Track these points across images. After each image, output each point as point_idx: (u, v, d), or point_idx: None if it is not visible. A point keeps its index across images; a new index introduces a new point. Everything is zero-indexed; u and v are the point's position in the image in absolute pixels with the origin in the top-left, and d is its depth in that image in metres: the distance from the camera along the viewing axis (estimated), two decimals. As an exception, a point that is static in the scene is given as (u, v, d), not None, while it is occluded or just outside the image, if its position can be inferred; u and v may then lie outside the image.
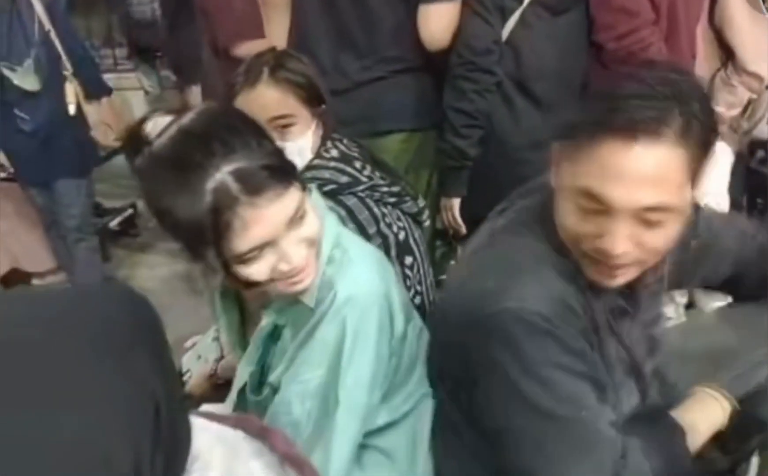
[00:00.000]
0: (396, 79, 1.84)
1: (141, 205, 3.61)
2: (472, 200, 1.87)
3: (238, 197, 0.91)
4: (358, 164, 1.55)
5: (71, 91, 2.74)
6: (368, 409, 1.09)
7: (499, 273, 1.03)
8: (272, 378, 1.13)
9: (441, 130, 1.85)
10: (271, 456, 0.66)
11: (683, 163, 0.93)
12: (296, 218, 0.98)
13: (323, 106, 1.56)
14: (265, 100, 1.49)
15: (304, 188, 1.02)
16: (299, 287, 1.03)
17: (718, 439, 1.13)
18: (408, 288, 1.50)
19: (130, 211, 4.18)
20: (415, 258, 1.56)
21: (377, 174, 1.57)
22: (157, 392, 0.53)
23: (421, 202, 1.62)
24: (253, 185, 0.92)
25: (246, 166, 0.92)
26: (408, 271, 1.54)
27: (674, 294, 2.13)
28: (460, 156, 1.83)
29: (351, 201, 1.49)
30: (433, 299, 1.57)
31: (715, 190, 2.19)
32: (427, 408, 1.21)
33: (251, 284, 1.00)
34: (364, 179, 1.53)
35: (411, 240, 1.56)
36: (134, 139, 0.98)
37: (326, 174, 1.51)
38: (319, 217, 1.06)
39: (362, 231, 1.49)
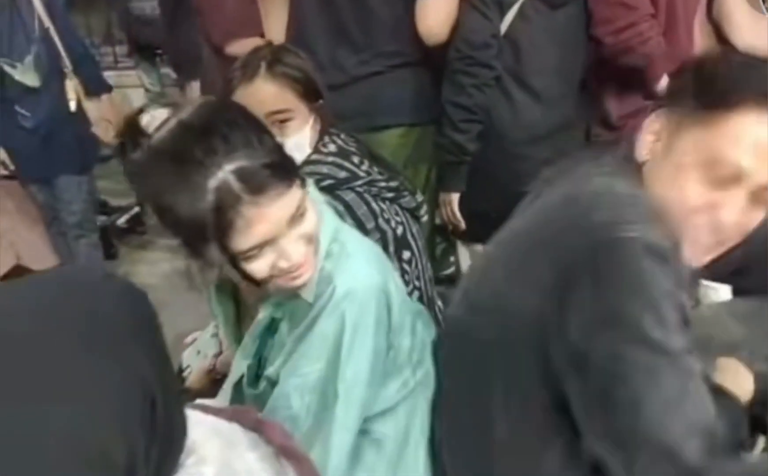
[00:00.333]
0: (394, 73, 1.84)
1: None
2: (471, 195, 1.87)
3: (241, 196, 0.91)
4: (356, 159, 1.55)
5: (71, 87, 2.75)
6: (367, 402, 1.10)
7: (616, 204, 0.97)
8: (270, 371, 1.13)
9: (439, 124, 1.84)
10: (267, 448, 0.66)
11: None
12: (297, 215, 0.98)
13: (321, 101, 1.56)
14: (263, 95, 1.49)
15: (303, 184, 1.02)
16: (298, 282, 1.04)
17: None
18: (406, 284, 1.50)
19: (137, 208, 4.19)
20: (413, 254, 1.56)
21: (375, 169, 1.57)
22: (151, 384, 0.53)
23: (419, 197, 1.61)
24: (255, 184, 0.92)
25: (248, 164, 0.92)
26: (406, 266, 1.54)
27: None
28: (458, 151, 1.83)
29: (349, 196, 1.49)
30: (432, 294, 1.57)
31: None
32: (424, 399, 1.21)
33: (251, 280, 1.00)
34: (362, 174, 1.53)
35: (409, 236, 1.56)
36: (132, 132, 0.98)
37: (324, 169, 1.51)
38: (317, 212, 1.07)
39: (360, 226, 1.49)
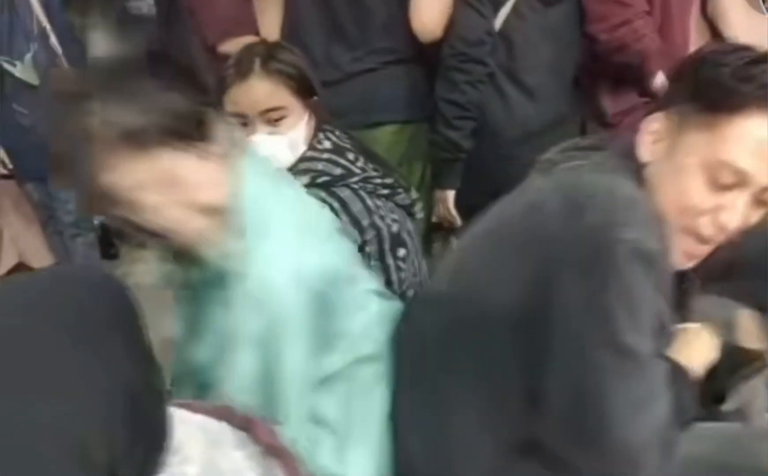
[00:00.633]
0: (388, 70, 1.83)
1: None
2: (465, 192, 1.87)
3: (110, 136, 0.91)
4: (351, 155, 1.56)
5: None
6: (309, 384, 1.05)
7: (612, 205, 0.96)
8: (202, 355, 1.10)
9: (433, 121, 1.85)
10: (255, 447, 0.66)
11: None
12: (167, 180, 0.95)
13: (315, 98, 1.56)
14: (257, 92, 1.49)
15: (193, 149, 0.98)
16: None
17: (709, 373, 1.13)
18: (401, 281, 1.50)
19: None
20: (408, 251, 1.56)
21: (370, 165, 1.57)
22: (135, 383, 0.53)
23: (414, 194, 1.61)
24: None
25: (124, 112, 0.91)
26: (401, 264, 1.54)
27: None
28: (452, 148, 1.83)
29: (345, 193, 1.49)
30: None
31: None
32: (377, 378, 1.14)
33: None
34: (357, 171, 1.53)
35: (404, 233, 1.56)
36: None
37: (319, 165, 1.51)
38: (233, 185, 1.02)
39: (356, 223, 1.49)
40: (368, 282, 1.19)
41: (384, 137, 1.84)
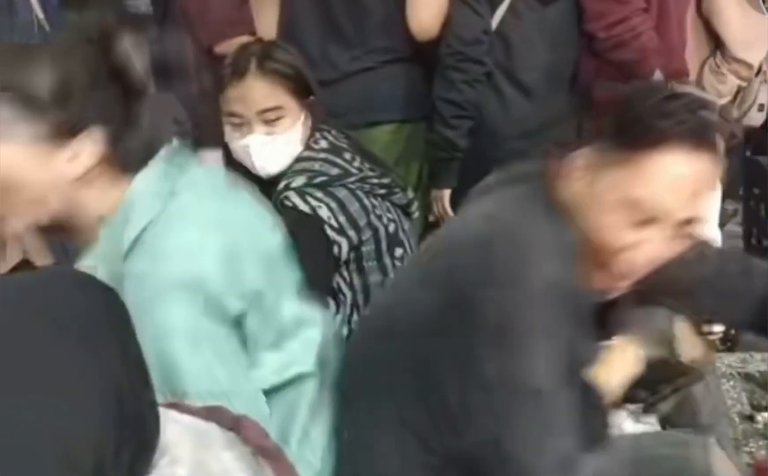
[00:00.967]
0: (385, 69, 1.84)
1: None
2: (462, 191, 1.87)
3: None
4: (347, 155, 1.56)
5: None
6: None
7: (522, 242, 1.00)
8: None
9: (430, 121, 1.84)
10: (244, 448, 0.66)
11: (716, 174, 0.99)
12: None
13: (312, 98, 1.56)
14: (254, 93, 1.49)
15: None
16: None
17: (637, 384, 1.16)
18: (398, 281, 1.50)
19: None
20: (405, 250, 1.57)
21: (366, 165, 1.57)
22: (123, 383, 0.53)
23: (411, 194, 1.62)
24: None
25: None
26: (398, 263, 1.54)
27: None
28: (449, 147, 1.83)
29: (342, 193, 1.49)
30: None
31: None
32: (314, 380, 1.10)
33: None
34: (354, 171, 1.53)
35: (401, 232, 1.56)
36: None
37: (316, 165, 1.51)
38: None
39: (353, 222, 1.49)
40: (302, 310, 1.12)
41: (381, 136, 1.84)
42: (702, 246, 1.22)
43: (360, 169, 1.54)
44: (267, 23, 1.84)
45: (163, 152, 1.01)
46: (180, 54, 2.47)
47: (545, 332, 0.97)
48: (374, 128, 1.83)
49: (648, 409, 1.22)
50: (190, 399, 0.87)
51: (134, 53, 1.02)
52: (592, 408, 1.07)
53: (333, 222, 1.46)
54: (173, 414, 0.64)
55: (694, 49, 2.01)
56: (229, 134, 1.55)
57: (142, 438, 0.55)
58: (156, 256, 0.95)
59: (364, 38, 1.82)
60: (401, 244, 1.56)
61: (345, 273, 1.52)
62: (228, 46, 1.72)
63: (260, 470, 0.65)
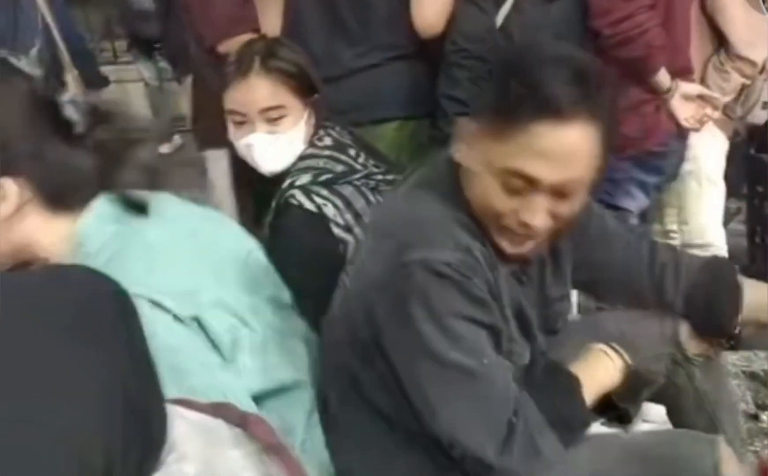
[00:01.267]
0: (390, 66, 1.82)
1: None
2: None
3: None
4: (352, 152, 1.55)
5: (71, 80, 2.74)
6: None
7: (406, 228, 1.07)
8: None
9: (434, 118, 1.84)
10: (252, 446, 0.66)
11: (598, 136, 1.01)
12: None
13: (316, 96, 1.56)
14: (257, 91, 1.49)
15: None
16: None
17: (612, 395, 1.18)
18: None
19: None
20: (409, 247, 1.56)
21: (371, 161, 1.56)
22: (131, 382, 0.53)
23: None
24: None
25: None
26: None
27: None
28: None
29: (347, 190, 1.49)
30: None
31: (711, 176, 2.17)
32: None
33: None
34: (359, 167, 1.53)
35: (405, 229, 1.55)
36: None
37: (320, 163, 1.51)
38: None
39: (358, 220, 1.48)
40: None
41: (386, 133, 1.83)
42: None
43: (365, 166, 1.53)
44: (272, 20, 1.83)
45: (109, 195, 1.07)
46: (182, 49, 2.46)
47: (449, 307, 1.01)
48: (378, 125, 1.82)
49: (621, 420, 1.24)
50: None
51: (68, 96, 1.05)
52: (564, 393, 1.09)
53: (339, 220, 1.46)
54: (180, 410, 0.63)
55: (697, 47, 2.00)
56: (233, 132, 1.55)
57: (150, 435, 0.55)
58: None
59: (368, 35, 1.81)
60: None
61: None
62: (231, 45, 1.71)
63: (267, 468, 0.65)
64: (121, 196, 1.08)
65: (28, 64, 2.60)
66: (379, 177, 1.54)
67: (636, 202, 1.98)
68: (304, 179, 1.47)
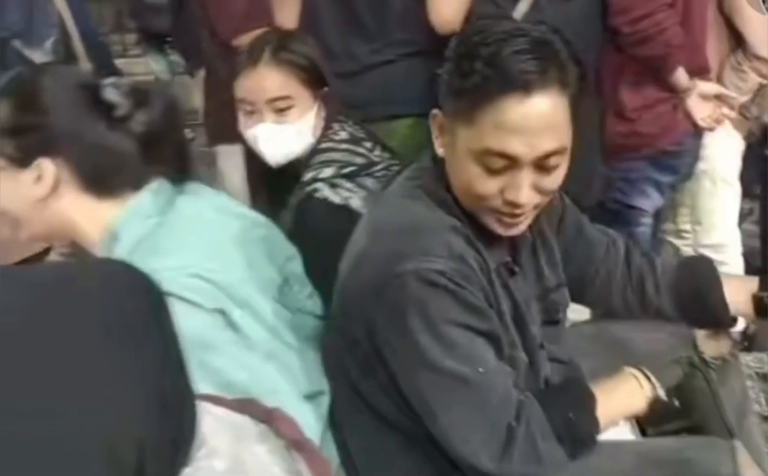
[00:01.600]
0: (405, 62, 1.82)
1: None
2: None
3: None
4: (367, 144, 1.56)
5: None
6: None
7: (399, 236, 1.06)
8: None
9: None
10: (277, 441, 0.66)
11: (566, 105, 1.01)
12: None
13: (326, 89, 1.55)
14: (266, 80, 1.49)
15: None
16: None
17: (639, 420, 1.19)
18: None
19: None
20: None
21: (386, 154, 1.56)
22: (164, 377, 0.53)
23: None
24: None
25: None
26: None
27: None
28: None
29: (369, 182, 1.49)
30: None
31: (726, 176, 2.16)
32: None
33: None
34: (376, 159, 1.53)
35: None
36: None
37: (338, 156, 1.51)
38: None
39: None
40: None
41: (400, 130, 1.83)
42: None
43: (381, 159, 1.54)
44: (287, 16, 1.82)
45: (153, 184, 1.08)
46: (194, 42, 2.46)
47: (448, 320, 1.01)
48: (393, 121, 1.82)
49: None
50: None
51: (110, 79, 1.06)
52: (577, 406, 1.08)
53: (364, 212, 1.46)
54: (208, 406, 0.63)
55: (714, 46, 1.99)
56: (242, 122, 1.55)
57: (182, 431, 0.55)
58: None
59: (384, 31, 1.81)
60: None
61: None
62: (246, 40, 1.71)
63: (294, 463, 0.65)
64: (169, 184, 1.09)
65: (42, 56, 2.60)
66: (398, 168, 1.54)
67: (651, 201, 1.97)
68: (328, 172, 1.47)
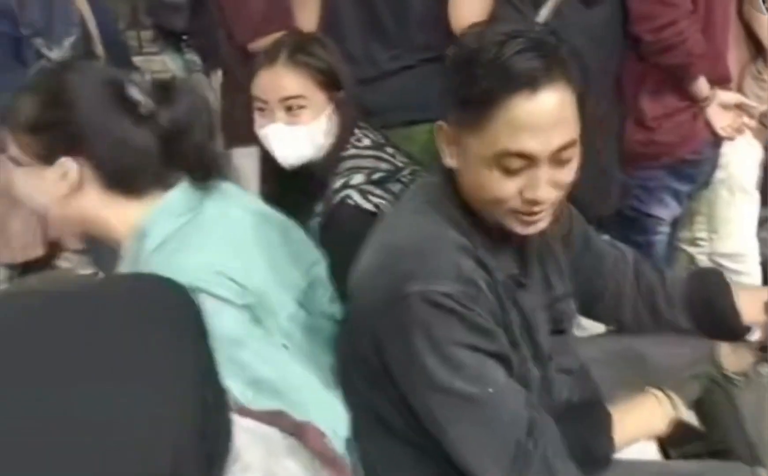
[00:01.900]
0: (425, 67, 1.81)
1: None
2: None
3: None
4: (390, 149, 1.56)
5: None
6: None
7: (407, 255, 1.05)
8: None
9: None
10: (305, 454, 0.66)
11: (573, 98, 1.01)
12: None
13: (342, 93, 1.55)
14: (281, 79, 1.50)
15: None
16: None
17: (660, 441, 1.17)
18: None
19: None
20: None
21: (407, 160, 1.57)
22: (201, 387, 0.53)
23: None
24: None
25: None
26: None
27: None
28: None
29: (397, 188, 1.49)
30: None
31: (744, 185, 2.15)
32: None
33: None
34: (401, 165, 1.53)
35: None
36: None
37: (365, 162, 1.51)
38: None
39: None
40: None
41: (419, 136, 1.82)
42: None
43: (405, 164, 1.54)
44: (308, 18, 1.82)
45: (183, 183, 1.09)
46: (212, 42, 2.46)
47: (449, 337, 1.00)
48: (412, 127, 1.81)
49: None
50: None
51: (134, 76, 1.07)
52: (594, 426, 1.07)
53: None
54: (237, 418, 0.64)
55: (734, 55, 1.97)
56: (257, 121, 1.56)
57: (217, 441, 0.56)
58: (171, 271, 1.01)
59: (405, 36, 1.80)
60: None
61: None
62: (264, 44, 1.71)
63: (320, 476, 0.66)
64: (197, 183, 1.10)
65: (60, 54, 2.61)
66: (422, 174, 1.54)
67: (668, 210, 1.96)
68: (358, 179, 1.47)
